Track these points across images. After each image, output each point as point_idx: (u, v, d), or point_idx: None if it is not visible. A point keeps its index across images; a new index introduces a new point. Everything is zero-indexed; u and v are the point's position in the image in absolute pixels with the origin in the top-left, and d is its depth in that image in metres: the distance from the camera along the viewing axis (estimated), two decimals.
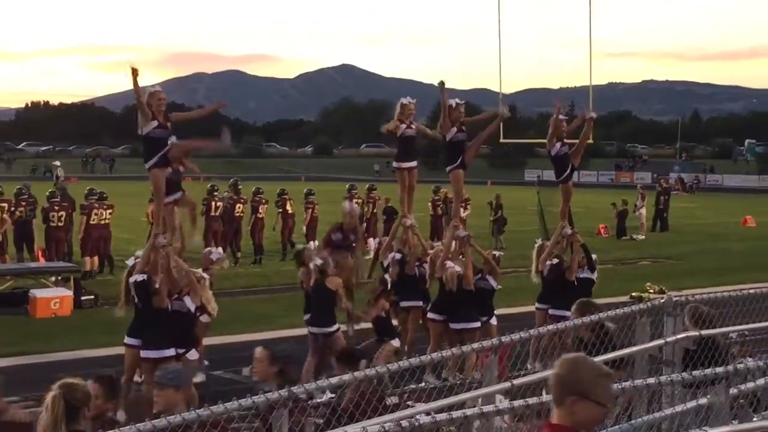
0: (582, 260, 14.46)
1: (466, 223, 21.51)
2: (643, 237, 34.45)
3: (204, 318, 12.26)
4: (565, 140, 14.96)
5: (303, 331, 14.18)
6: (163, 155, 11.45)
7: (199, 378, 12.37)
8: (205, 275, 11.90)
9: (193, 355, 11.46)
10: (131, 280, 11.82)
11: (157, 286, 11.24)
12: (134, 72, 11.22)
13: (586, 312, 8.39)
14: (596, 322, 7.75)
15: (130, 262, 12.04)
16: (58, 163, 56.85)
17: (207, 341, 15.84)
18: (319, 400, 8.15)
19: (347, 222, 15.40)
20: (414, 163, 14.50)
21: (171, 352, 11.13)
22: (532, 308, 15.18)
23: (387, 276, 13.97)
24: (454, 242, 14.06)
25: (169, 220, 11.93)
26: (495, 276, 14.09)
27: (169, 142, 11.51)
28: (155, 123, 11.32)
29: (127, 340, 11.58)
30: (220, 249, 24.69)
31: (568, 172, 14.95)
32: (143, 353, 11.23)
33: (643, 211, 36.07)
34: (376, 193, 29.10)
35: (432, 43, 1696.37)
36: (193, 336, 11.64)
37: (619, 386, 5.69)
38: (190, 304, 11.40)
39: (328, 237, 15.17)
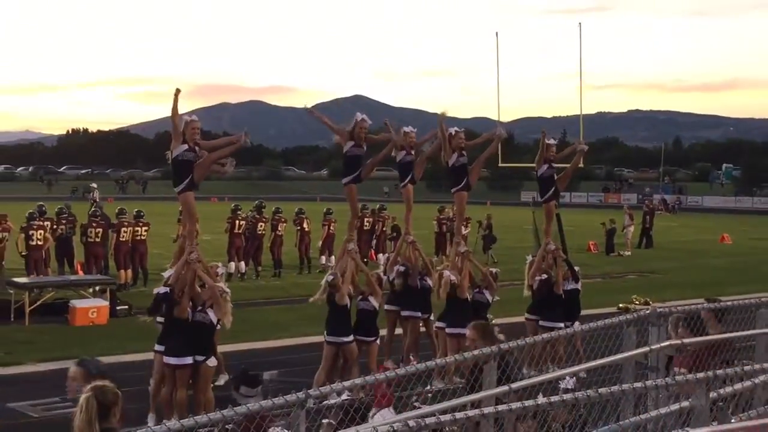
0: (566, 273, 14.52)
1: (467, 239, 21.49)
2: (629, 253, 34.28)
3: None
4: (554, 164, 14.99)
5: (316, 339, 14.19)
6: (191, 179, 11.45)
7: (221, 381, 12.37)
8: (227, 289, 11.88)
9: (212, 362, 11.42)
10: (155, 291, 11.84)
11: (180, 297, 11.24)
12: (177, 92, 11.20)
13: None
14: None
15: (166, 275, 12.03)
16: (95, 185, 56.93)
17: (230, 347, 15.88)
18: (333, 401, 8.15)
19: None
20: (410, 186, 14.46)
21: (189, 360, 11.10)
22: (519, 318, 15.20)
23: (383, 275, 14.19)
24: (457, 257, 14.08)
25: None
26: (491, 291, 14.07)
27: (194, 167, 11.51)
28: (186, 146, 11.32)
29: (156, 347, 11.59)
30: (232, 264, 24.91)
31: (550, 192, 14.95)
32: (165, 359, 11.23)
33: (631, 229, 36.00)
34: (386, 212, 29.17)
35: (436, 75, 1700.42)
36: (213, 345, 11.60)
37: (609, 390, 5.68)
38: (212, 316, 11.37)
39: None
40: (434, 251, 26.90)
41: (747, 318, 9.10)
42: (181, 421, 5.20)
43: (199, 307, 11.31)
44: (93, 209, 25.36)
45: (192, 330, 11.20)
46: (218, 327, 11.65)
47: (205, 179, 12.36)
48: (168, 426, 5.01)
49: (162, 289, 11.58)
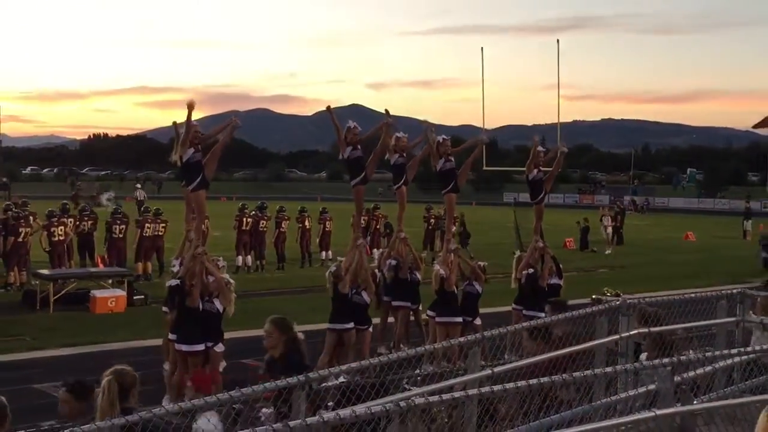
0: (552, 269, 14.51)
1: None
2: (610, 251, 33.72)
3: None
4: (541, 168, 15.02)
5: (317, 326, 14.18)
6: (203, 178, 11.46)
7: (221, 366, 12.25)
8: (232, 281, 11.85)
9: (219, 347, 11.40)
10: (167, 284, 11.82)
11: (190, 288, 11.23)
12: (191, 106, 11.22)
13: (559, 308, 8.55)
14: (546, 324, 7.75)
15: (173, 267, 12.04)
16: (139, 185, 56.02)
17: (239, 334, 15.88)
18: (332, 383, 8.14)
19: None
20: (404, 187, 14.46)
21: (200, 346, 11.05)
22: (507, 308, 15.19)
23: (377, 271, 14.32)
24: (448, 254, 14.15)
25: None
26: (480, 282, 14.15)
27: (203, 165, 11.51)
28: (192, 149, 11.32)
29: (170, 335, 11.56)
30: (240, 258, 24.96)
31: (541, 195, 14.98)
32: (177, 346, 11.19)
33: (610, 230, 35.57)
34: (380, 211, 29.20)
35: (424, 86, 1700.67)
36: (220, 332, 11.57)
37: (582, 374, 5.68)
38: (219, 305, 11.35)
39: None
40: (422, 246, 26.98)
41: (709, 309, 9.12)
42: (192, 401, 5.20)
43: (207, 297, 11.30)
44: (114, 207, 25.42)
45: (202, 318, 11.19)
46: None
47: (215, 180, 12.34)
48: (179, 405, 5.01)
49: (173, 282, 11.57)
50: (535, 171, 14.82)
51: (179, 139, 11.30)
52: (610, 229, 35.53)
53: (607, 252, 33.53)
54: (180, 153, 11.34)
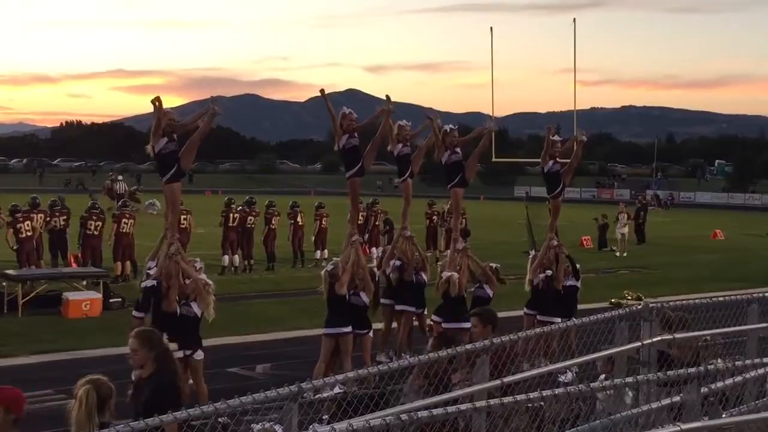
0: (567, 269, 14.47)
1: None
2: (625, 254, 32.86)
3: None
4: (557, 159, 14.98)
5: (311, 332, 14.18)
6: (178, 168, 11.45)
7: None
8: (210, 282, 11.81)
9: (199, 355, 11.35)
10: (142, 285, 11.78)
11: (167, 291, 11.20)
12: (158, 100, 11.31)
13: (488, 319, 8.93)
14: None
15: (148, 266, 11.98)
16: (121, 177, 55.95)
17: (223, 340, 15.91)
18: (326, 395, 8.14)
19: None
20: (409, 180, 14.45)
21: (178, 354, 11.02)
22: (518, 312, 15.18)
23: (376, 270, 14.21)
24: (455, 254, 14.11)
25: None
26: (491, 285, 14.08)
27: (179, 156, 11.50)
28: (165, 139, 11.33)
29: None
30: (226, 257, 24.94)
31: (559, 189, 14.95)
32: None
33: (625, 230, 34.45)
34: (379, 207, 29.17)
35: (428, 70, 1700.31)
36: (199, 338, 11.52)
37: (601, 385, 5.69)
38: (196, 309, 11.29)
39: None
40: (426, 245, 26.89)
41: (739, 313, 9.13)
42: (174, 414, 5.20)
43: (183, 301, 11.27)
44: (92, 201, 25.38)
45: (179, 323, 11.13)
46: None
47: (197, 173, 12.33)
48: (160, 418, 5.01)
49: (149, 282, 11.52)
50: (551, 162, 14.79)
51: (157, 129, 11.32)
52: (626, 229, 34.42)
53: (617, 254, 32.75)
54: (152, 143, 11.36)
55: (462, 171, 14.33)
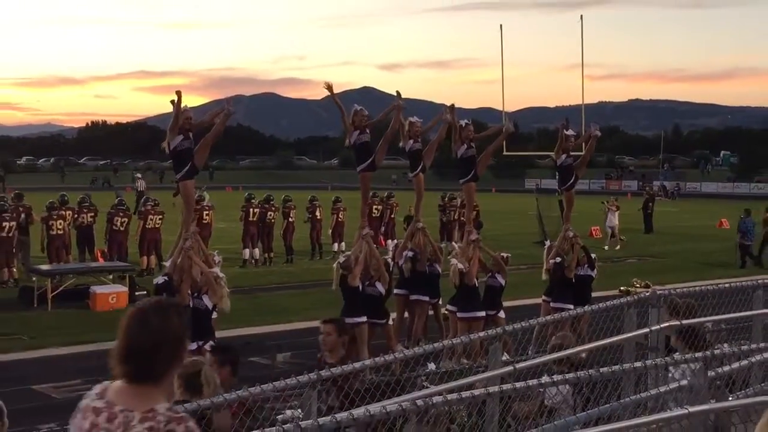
0: (582, 259, 14.48)
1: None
2: (617, 248, 30.33)
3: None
4: (570, 153, 15.00)
5: None
6: (192, 166, 11.47)
7: None
8: (222, 275, 11.83)
9: (209, 346, 11.34)
10: (154, 282, 11.80)
11: (179, 284, 11.21)
12: (179, 94, 11.34)
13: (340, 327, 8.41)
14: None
15: (167, 264, 11.99)
16: (139, 175, 56.17)
17: (246, 331, 15.96)
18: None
19: None
20: (421, 174, 14.42)
21: (192, 345, 11.01)
22: (533, 300, 15.18)
23: (390, 260, 14.24)
24: (468, 245, 14.12)
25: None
26: (503, 274, 14.08)
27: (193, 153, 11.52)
28: (181, 136, 11.37)
29: None
30: (247, 251, 25.01)
31: (571, 181, 14.94)
32: None
33: (615, 224, 31.81)
34: (394, 200, 29.18)
35: (440, 67, 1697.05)
36: (211, 329, 11.51)
37: (610, 369, 5.67)
38: (207, 301, 11.31)
39: None
40: (439, 237, 26.87)
41: (745, 300, 9.09)
42: (198, 402, 5.21)
43: (195, 294, 11.28)
44: (119, 197, 25.53)
45: (191, 316, 11.15)
46: (215, 315, 11.56)
47: (217, 169, 12.38)
48: (198, 403, 5.03)
49: (160, 279, 11.58)
50: (564, 156, 14.80)
51: (175, 125, 11.35)
52: (616, 222, 31.82)
53: (605, 247, 29.99)
54: (168, 140, 11.40)
55: (475, 166, 14.35)
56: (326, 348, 8.08)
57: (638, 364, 6.22)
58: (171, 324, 3.32)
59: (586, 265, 14.54)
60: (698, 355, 5.71)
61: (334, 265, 13.11)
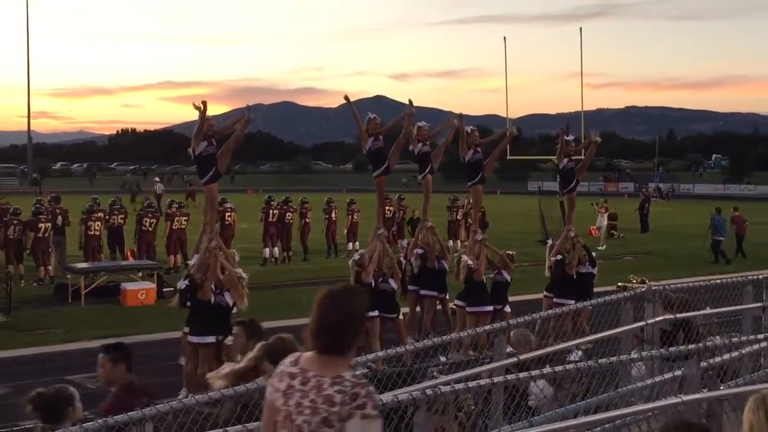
0: (584, 257, 14.51)
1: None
2: (603, 247, 29.09)
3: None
4: (572, 157, 15.00)
5: None
6: (216, 171, 11.51)
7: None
8: (244, 274, 11.85)
9: (229, 340, 11.33)
10: (178, 285, 11.84)
11: (202, 281, 11.24)
12: (204, 104, 11.39)
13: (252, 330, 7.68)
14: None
15: (191, 263, 12.02)
16: (157, 179, 56.45)
17: (266, 324, 15.91)
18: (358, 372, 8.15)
19: None
20: (429, 176, 14.43)
21: (211, 338, 10.98)
22: (537, 296, 15.18)
23: (403, 259, 14.29)
24: (475, 244, 14.15)
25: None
26: (509, 271, 14.12)
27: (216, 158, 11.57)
28: (205, 143, 11.43)
29: (184, 328, 11.58)
30: (267, 249, 25.07)
31: (573, 184, 14.95)
32: (189, 338, 11.21)
33: (604, 224, 31.82)
34: (405, 201, 29.22)
35: (448, 76, 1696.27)
36: (230, 325, 11.52)
37: (608, 361, 5.66)
38: (228, 299, 11.34)
39: None
40: (447, 236, 26.81)
41: (735, 295, 9.06)
42: (209, 394, 5.23)
43: (218, 290, 11.30)
44: (149, 200, 25.64)
45: (213, 312, 11.17)
46: (234, 310, 11.59)
47: (239, 173, 12.43)
48: (187, 401, 5.05)
49: (182, 284, 11.66)
50: (566, 160, 14.80)
51: (200, 132, 11.41)
52: (605, 223, 31.78)
53: (601, 247, 28.72)
54: (193, 146, 11.46)
55: (482, 169, 14.37)
56: (236, 350, 7.38)
57: (635, 355, 6.21)
58: (356, 305, 3.74)
59: (587, 263, 14.58)
60: (692, 347, 5.70)
61: (350, 263, 13.14)
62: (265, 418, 3.71)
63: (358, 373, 3.68)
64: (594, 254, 15.05)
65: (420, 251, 14.46)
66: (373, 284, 12.80)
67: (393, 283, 13.12)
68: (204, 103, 11.45)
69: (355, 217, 27.23)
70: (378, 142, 13.20)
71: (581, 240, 14.80)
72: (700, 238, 29.08)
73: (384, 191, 13.96)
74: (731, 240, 27.75)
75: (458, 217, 28.02)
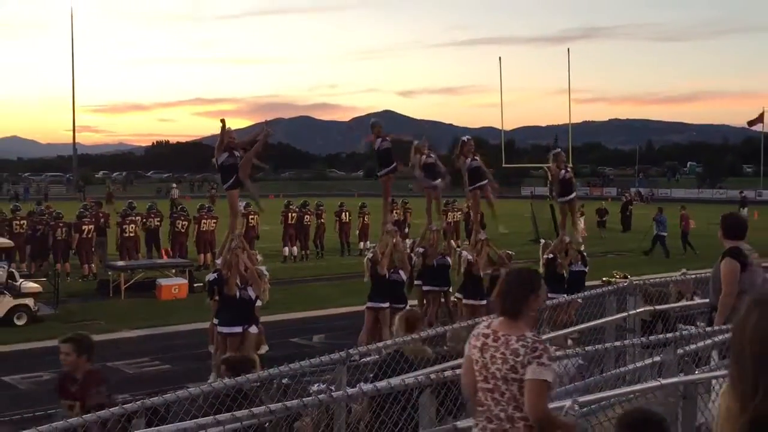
0: (576, 257, 14.46)
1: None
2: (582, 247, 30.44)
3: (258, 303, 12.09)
4: (568, 168, 14.96)
5: (355, 308, 14.18)
6: (236, 178, 11.51)
7: (263, 350, 11.71)
8: (266, 272, 11.85)
9: (254, 329, 11.31)
10: (207, 279, 11.86)
11: (227, 278, 11.25)
12: (223, 121, 11.51)
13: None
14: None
15: (218, 262, 12.02)
16: (174, 185, 56.85)
17: (286, 316, 15.99)
18: (370, 359, 8.15)
19: None
20: (435, 183, 14.40)
21: (238, 329, 10.98)
22: None
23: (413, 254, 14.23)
24: (477, 242, 14.15)
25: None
26: (506, 268, 14.06)
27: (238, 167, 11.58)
28: (227, 153, 11.44)
29: (214, 320, 11.58)
30: (286, 248, 25.09)
31: (572, 195, 14.96)
32: (218, 329, 11.20)
33: (582, 226, 32.04)
34: (409, 205, 29.22)
35: (449, 93, 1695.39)
36: (254, 316, 11.50)
37: (593, 348, 5.65)
38: (251, 293, 11.34)
39: None
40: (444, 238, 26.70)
41: (708, 288, 9.00)
42: (236, 378, 5.23)
43: (242, 286, 11.32)
44: (181, 205, 25.65)
45: (239, 304, 11.18)
46: (258, 303, 11.58)
47: (262, 180, 12.44)
48: (217, 385, 5.05)
49: (211, 276, 11.69)
50: (562, 171, 14.77)
51: (221, 144, 11.49)
52: (582, 226, 31.93)
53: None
54: (216, 156, 11.50)
55: (481, 176, 14.27)
56: (67, 367, 6.54)
57: (618, 343, 6.19)
58: (523, 280, 4.20)
59: (579, 262, 14.52)
60: (669, 335, 5.68)
61: (365, 260, 13.12)
62: (464, 368, 4.24)
63: (530, 334, 4.07)
64: (585, 254, 14.99)
65: (421, 250, 14.46)
66: (386, 276, 12.76)
67: (402, 275, 13.12)
68: (222, 120, 11.55)
69: (366, 219, 27.25)
70: (385, 143, 13.21)
71: (574, 245, 14.79)
72: (676, 237, 29.01)
73: (389, 189, 13.87)
74: (676, 236, 28.16)
75: (456, 219, 27.97)
